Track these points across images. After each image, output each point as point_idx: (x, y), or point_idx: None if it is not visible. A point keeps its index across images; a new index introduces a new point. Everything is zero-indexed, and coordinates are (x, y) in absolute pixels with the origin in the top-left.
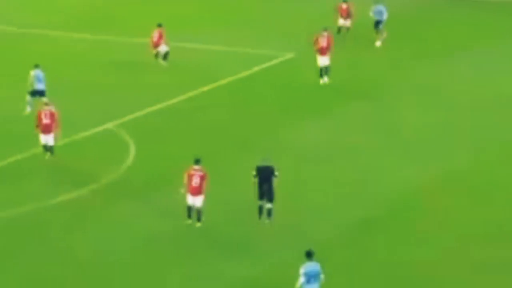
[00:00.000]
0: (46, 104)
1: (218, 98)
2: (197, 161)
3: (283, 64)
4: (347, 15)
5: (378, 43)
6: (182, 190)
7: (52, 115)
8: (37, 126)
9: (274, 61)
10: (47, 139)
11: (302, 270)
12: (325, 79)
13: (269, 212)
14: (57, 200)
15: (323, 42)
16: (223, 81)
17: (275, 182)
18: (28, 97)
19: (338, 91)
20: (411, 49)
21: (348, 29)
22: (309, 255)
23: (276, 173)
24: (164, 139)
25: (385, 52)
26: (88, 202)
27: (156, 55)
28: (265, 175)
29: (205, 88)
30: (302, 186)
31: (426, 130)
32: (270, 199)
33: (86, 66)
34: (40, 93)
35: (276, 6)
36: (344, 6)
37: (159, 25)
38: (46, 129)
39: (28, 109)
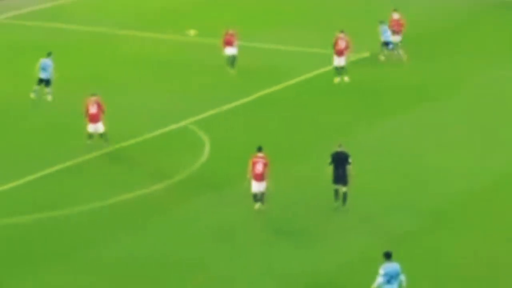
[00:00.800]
0: (93, 95)
1: (288, 97)
2: (259, 149)
3: (354, 64)
4: (399, 28)
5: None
6: (248, 176)
7: (98, 105)
8: (85, 116)
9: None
10: (96, 127)
11: (381, 271)
12: (345, 79)
13: (344, 197)
14: (133, 194)
15: (341, 44)
16: (292, 81)
17: (349, 169)
18: (35, 85)
19: (406, 91)
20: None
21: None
22: (388, 255)
23: (350, 160)
24: (237, 136)
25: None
26: (163, 197)
27: None
28: (340, 160)
29: (276, 88)
30: (374, 182)
31: (496, 129)
32: (345, 183)
33: (168, 66)
34: (45, 82)
35: (345, 6)
36: (395, 16)
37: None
38: (93, 119)
39: (32, 95)
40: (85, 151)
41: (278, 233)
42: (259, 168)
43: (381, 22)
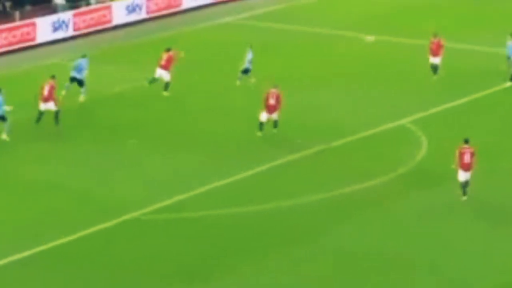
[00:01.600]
0: (274, 86)
1: (503, 101)
2: (466, 141)
3: None
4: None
5: None
6: (453, 166)
7: (276, 97)
8: (265, 106)
9: None
10: (271, 117)
11: None
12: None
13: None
14: (348, 189)
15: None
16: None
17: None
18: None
19: None
20: None
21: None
22: None
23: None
24: (454, 136)
25: None
26: (379, 192)
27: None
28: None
29: (489, 91)
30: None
31: None
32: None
33: (380, 66)
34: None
35: None
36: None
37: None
38: (271, 109)
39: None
40: (304, 147)
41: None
42: (467, 158)
43: None
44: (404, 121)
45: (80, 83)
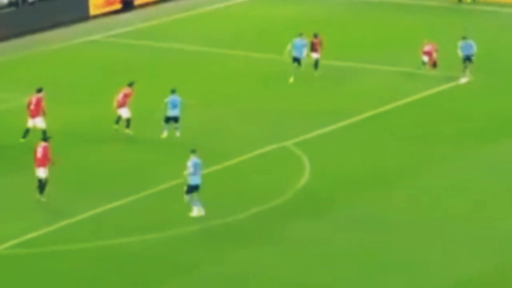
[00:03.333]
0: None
1: (399, 118)
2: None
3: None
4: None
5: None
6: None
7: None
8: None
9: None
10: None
11: None
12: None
13: None
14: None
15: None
16: (401, 102)
17: None
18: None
19: None
20: None
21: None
22: None
23: None
24: (338, 156)
25: None
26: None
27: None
28: None
29: (385, 108)
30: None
31: None
32: None
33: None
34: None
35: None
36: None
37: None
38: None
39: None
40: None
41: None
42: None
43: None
44: (287, 143)
45: (176, 119)
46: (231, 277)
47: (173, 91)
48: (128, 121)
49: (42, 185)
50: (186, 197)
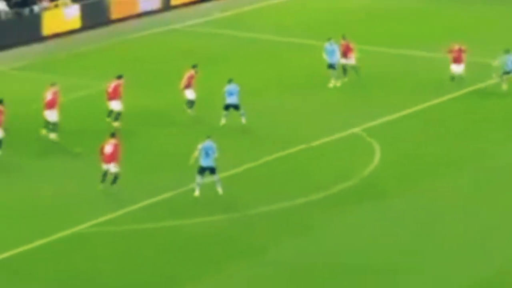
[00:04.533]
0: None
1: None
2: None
3: None
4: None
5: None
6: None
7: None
8: None
9: None
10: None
11: None
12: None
13: None
14: (304, 199)
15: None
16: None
17: None
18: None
19: None
20: None
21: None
22: None
23: None
24: (409, 144)
25: None
26: (332, 203)
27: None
28: None
29: (447, 97)
30: None
31: None
32: None
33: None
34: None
35: None
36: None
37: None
38: None
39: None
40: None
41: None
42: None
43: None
44: (357, 129)
45: (236, 107)
46: (295, 263)
47: (229, 81)
48: (191, 102)
49: (113, 178)
50: (197, 177)
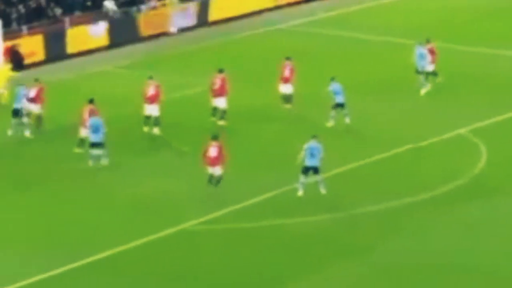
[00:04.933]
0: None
1: None
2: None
3: None
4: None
5: None
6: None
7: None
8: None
9: None
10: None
11: None
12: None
13: None
14: (409, 199)
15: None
16: None
17: None
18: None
19: None
20: None
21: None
22: None
23: None
24: None
25: None
26: (439, 203)
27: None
28: None
29: None
30: None
31: None
32: None
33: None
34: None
35: None
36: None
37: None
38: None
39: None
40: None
41: None
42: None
43: None
44: (463, 130)
45: (341, 105)
46: (401, 264)
47: (332, 79)
48: (290, 97)
49: (217, 180)
50: (301, 177)
